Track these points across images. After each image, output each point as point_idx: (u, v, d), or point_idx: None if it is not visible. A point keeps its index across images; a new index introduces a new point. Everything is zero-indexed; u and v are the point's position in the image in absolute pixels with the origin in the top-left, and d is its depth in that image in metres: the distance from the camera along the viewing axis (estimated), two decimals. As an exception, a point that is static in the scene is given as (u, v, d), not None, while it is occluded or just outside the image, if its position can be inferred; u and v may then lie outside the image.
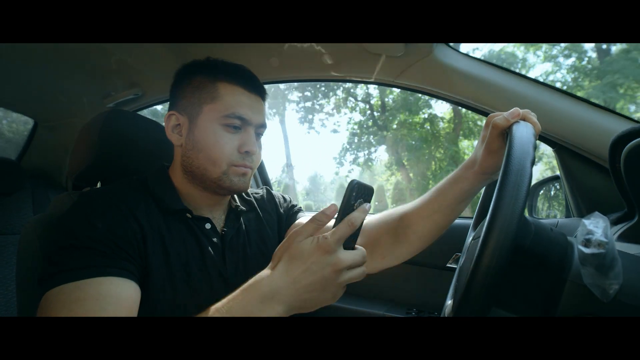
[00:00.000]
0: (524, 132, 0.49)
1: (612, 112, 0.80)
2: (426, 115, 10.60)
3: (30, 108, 1.48)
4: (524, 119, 0.55)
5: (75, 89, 1.33)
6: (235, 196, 0.78)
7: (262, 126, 0.71)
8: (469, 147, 10.41)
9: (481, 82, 0.89)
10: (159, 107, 1.59)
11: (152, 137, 0.85)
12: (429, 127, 10.55)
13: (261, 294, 0.47)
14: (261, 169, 1.53)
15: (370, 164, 12.39)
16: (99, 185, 0.89)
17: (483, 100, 0.90)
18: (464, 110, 10.08)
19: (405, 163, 11.53)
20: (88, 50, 1.09)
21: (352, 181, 0.50)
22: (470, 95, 0.91)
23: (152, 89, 1.32)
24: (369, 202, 0.52)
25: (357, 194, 0.50)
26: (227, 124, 0.66)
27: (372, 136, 12.04)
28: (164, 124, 0.72)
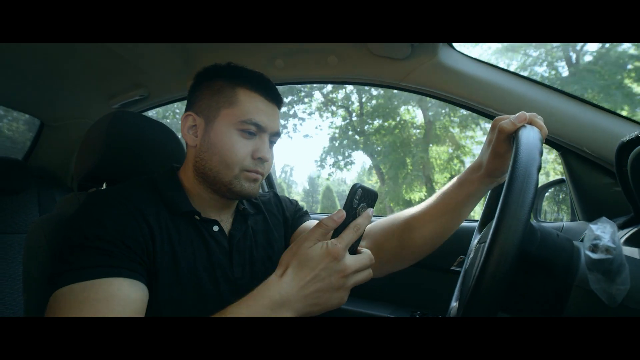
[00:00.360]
0: (530, 137, 0.48)
1: (619, 115, 0.80)
2: (397, 121, 10.80)
3: (37, 108, 1.49)
4: (530, 123, 0.54)
5: (81, 89, 1.34)
6: None
7: (277, 134, 0.72)
8: (442, 152, 10.46)
9: (487, 85, 0.89)
10: (150, 112, 1.59)
11: (158, 138, 0.86)
12: (398, 133, 10.75)
13: (271, 301, 0.47)
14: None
15: (349, 167, 12.60)
16: (104, 186, 0.90)
17: (489, 103, 0.90)
18: (433, 116, 10.23)
19: (382, 167, 11.65)
20: (94, 51, 1.10)
21: (354, 185, 0.50)
22: (476, 98, 0.91)
23: (158, 90, 1.33)
24: (372, 207, 0.52)
25: (360, 198, 0.50)
26: (243, 129, 0.66)
27: (346, 140, 12.20)
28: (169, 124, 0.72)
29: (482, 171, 0.62)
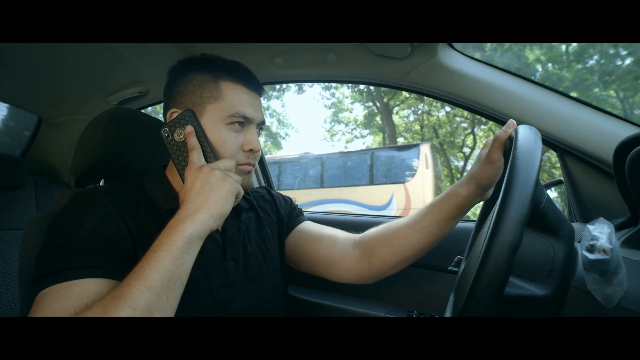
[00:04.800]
0: (527, 127, 0.52)
1: (617, 116, 0.80)
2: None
3: (35, 105, 1.48)
4: None
5: (80, 86, 1.33)
6: None
7: (263, 123, 0.72)
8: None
9: (486, 85, 0.89)
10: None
11: (156, 135, 0.85)
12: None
13: (179, 228, 0.54)
14: (263, 166, 1.53)
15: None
16: (102, 182, 0.90)
17: (487, 103, 0.90)
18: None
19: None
20: (93, 48, 1.09)
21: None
22: (475, 98, 0.91)
23: (157, 87, 1.32)
24: (188, 124, 0.65)
25: (174, 128, 0.66)
26: (231, 123, 0.66)
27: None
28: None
29: (472, 182, 0.66)
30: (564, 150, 0.85)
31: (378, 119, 11.85)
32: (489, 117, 0.93)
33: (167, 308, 0.49)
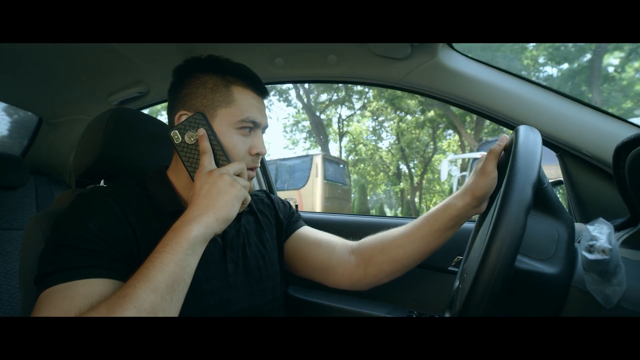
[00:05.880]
0: (527, 126, 0.54)
1: (617, 117, 0.80)
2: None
3: (35, 105, 1.48)
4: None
5: (80, 86, 1.33)
6: None
7: (267, 126, 0.73)
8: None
9: (486, 86, 0.89)
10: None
11: (156, 135, 0.86)
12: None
13: (184, 230, 0.54)
14: (264, 169, 1.53)
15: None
16: (102, 183, 0.90)
17: (487, 104, 0.90)
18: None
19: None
20: (93, 48, 1.10)
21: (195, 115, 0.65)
22: (475, 99, 0.91)
23: (157, 87, 1.32)
24: (200, 126, 0.65)
25: (185, 130, 0.65)
26: (241, 128, 0.67)
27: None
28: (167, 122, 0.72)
29: (467, 194, 0.68)
30: (563, 151, 0.86)
31: (335, 127, 12.95)
32: (489, 118, 0.93)
33: (171, 309, 0.50)
